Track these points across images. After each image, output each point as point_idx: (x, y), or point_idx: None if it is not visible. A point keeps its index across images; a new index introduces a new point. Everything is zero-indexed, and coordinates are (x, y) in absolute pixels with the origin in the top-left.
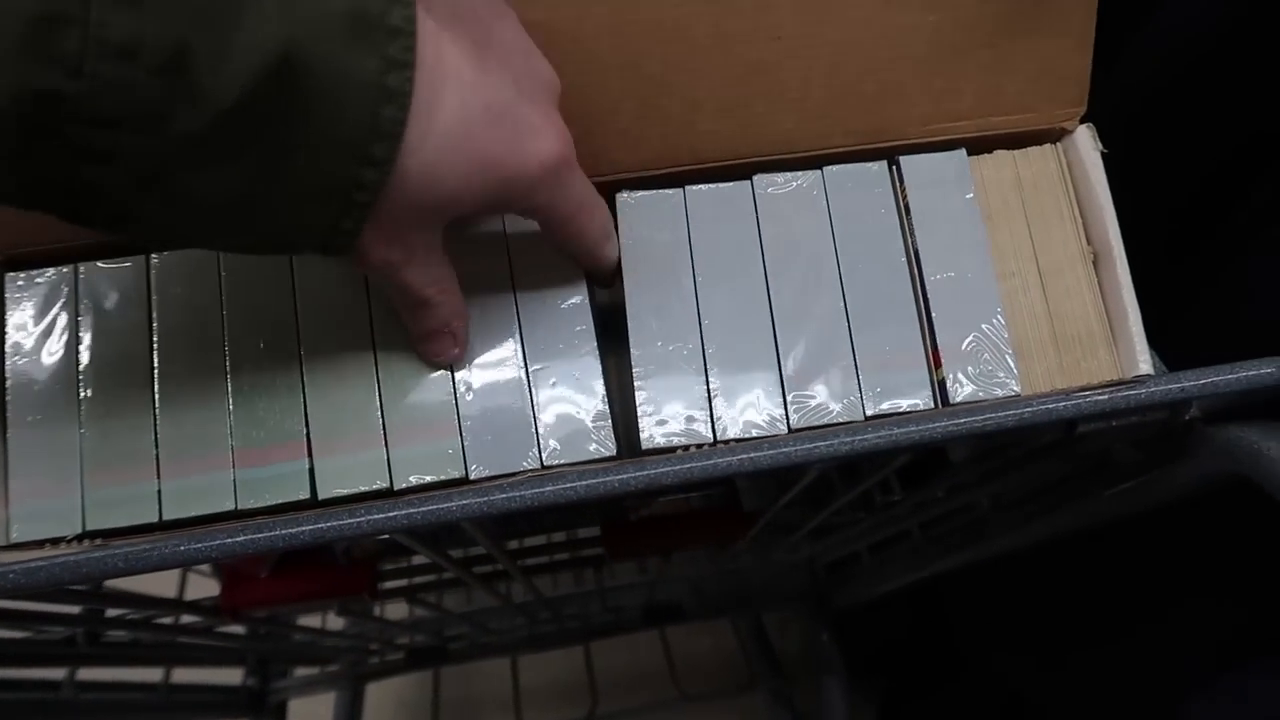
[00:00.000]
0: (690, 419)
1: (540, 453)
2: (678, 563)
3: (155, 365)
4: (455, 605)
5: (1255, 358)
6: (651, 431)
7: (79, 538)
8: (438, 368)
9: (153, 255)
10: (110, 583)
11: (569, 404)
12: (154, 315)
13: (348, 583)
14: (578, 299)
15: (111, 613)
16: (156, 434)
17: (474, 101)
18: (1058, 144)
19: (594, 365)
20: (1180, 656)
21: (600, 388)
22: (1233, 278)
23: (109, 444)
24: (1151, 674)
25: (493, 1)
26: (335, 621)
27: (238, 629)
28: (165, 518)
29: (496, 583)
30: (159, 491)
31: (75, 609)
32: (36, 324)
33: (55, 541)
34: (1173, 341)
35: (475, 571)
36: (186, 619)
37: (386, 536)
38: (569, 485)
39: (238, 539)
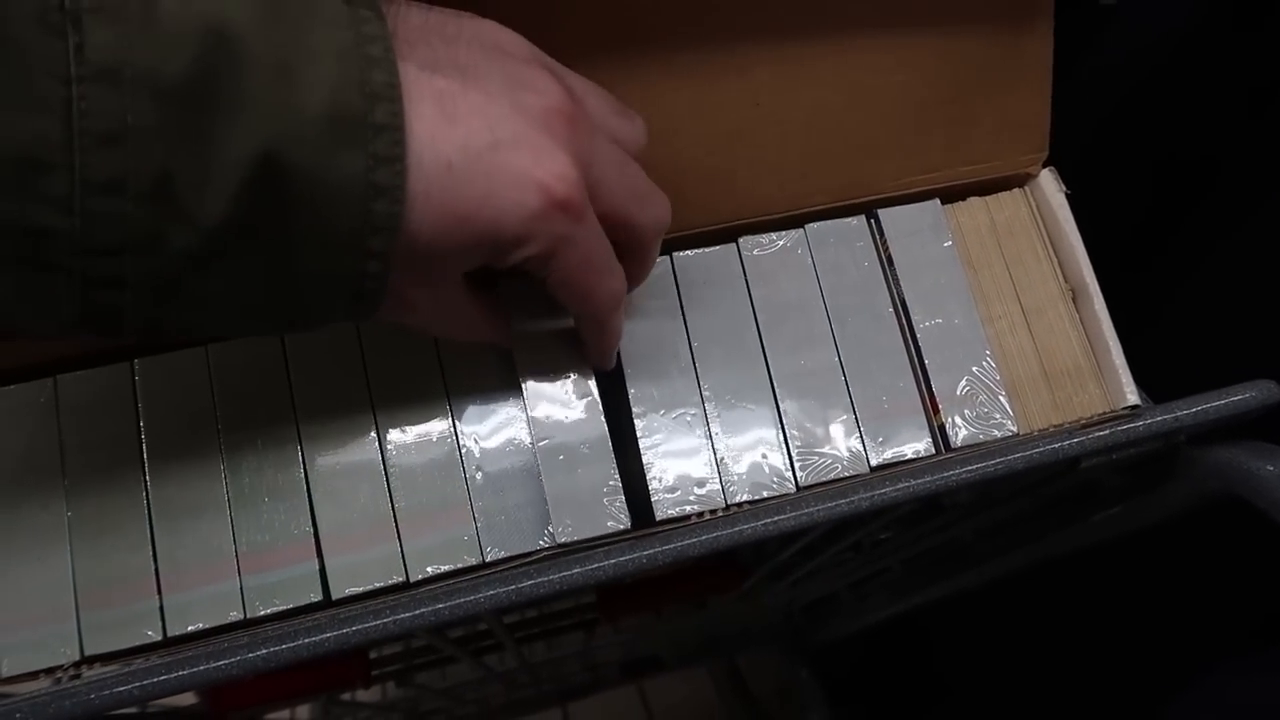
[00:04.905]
0: (700, 484)
1: (555, 529)
2: (665, 617)
3: (147, 476)
4: (431, 680)
5: (1220, 370)
6: (663, 500)
7: (76, 665)
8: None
9: (136, 360)
10: None
11: (580, 478)
12: (142, 423)
13: (343, 674)
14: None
15: None
16: (154, 548)
17: (443, 152)
18: (1025, 188)
19: (603, 437)
20: (1157, 663)
21: (611, 459)
22: (1188, 293)
23: (103, 564)
24: (1132, 683)
25: (481, 31)
26: (301, 712)
27: None
28: (170, 635)
29: (486, 655)
30: (160, 608)
31: None
32: (15, 442)
33: (50, 671)
34: (1140, 356)
35: (468, 648)
36: None
37: None
38: (597, 565)
39: (259, 653)
